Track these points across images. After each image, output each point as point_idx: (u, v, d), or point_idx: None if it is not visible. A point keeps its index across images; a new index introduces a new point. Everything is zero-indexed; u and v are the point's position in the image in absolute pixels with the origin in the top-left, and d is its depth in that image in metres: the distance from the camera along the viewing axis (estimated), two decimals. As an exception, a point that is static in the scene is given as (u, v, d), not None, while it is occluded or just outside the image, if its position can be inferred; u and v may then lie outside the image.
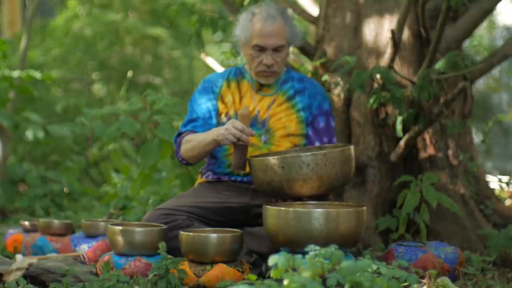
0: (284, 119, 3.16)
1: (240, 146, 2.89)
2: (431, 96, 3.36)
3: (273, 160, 2.79)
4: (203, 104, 3.19)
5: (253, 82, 3.20)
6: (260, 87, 3.20)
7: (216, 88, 3.22)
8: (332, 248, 2.05)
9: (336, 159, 2.79)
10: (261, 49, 3.09)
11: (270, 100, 3.19)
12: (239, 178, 3.17)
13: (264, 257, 2.85)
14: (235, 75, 3.25)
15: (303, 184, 2.78)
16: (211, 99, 3.19)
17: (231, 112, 3.16)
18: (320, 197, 2.84)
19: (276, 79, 3.19)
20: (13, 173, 5.83)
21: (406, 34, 3.67)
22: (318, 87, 3.28)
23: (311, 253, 2.04)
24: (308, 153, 2.78)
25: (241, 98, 3.19)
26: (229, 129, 2.86)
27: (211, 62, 4.83)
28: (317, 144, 3.17)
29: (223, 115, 3.17)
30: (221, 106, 3.18)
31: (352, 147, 2.88)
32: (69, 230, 3.49)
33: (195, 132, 3.14)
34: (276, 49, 3.09)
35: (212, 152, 3.19)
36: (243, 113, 2.92)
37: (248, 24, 3.10)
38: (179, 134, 3.19)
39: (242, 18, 3.16)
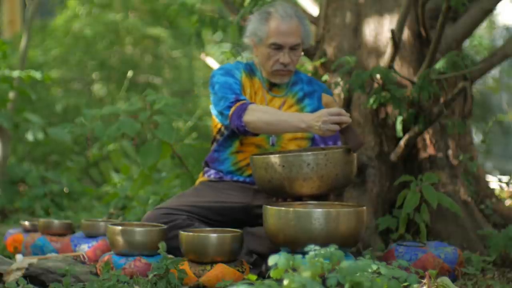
0: None
1: (346, 128, 2.78)
2: (431, 96, 3.37)
3: (274, 158, 2.79)
4: (234, 85, 3.09)
5: (264, 81, 3.19)
6: (271, 87, 3.19)
7: (238, 77, 3.16)
8: (332, 248, 2.05)
9: (337, 160, 2.79)
10: (278, 47, 3.08)
11: (281, 101, 3.18)
12: (241, 178, 3.17)
13: (264, 257, 2.85)
14: (246, 70, 3.23)
15: (303, 183, 2.78)
16: (237, 83, 3.12)
17: None
18: (320, 197, 2.84)
19: (288, 79, 3.18)
20: (13, 173, 5.83)
21: (406, 34, 3.67)
22: (326, 90, 3.28)
23: (311, 253, 2.04)
24: (309, 153, 2.78)
25: (255, 94, 3.17)
26: (326, 120, 2.73)
27: (211, 62, 4.83)
28: (321, 147, 3.16)
29: None
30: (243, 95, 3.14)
31: None
32: (69, 230, 3.49)
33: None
34: (293, 48, 3.08)
35: (218, 147, 3.18)
36: (327, 101, 2.88)
37: (264, 23, 3.09)
38: (236, 101, 3.02)
39: (256, 18, 3.14)
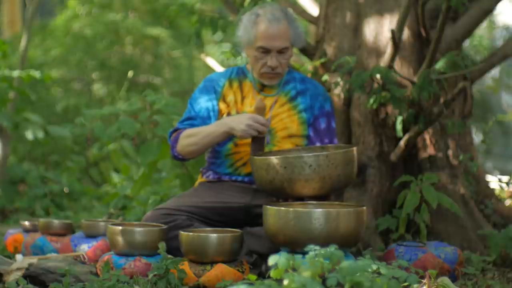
0: (286, 120, 3.15)
1: (258, 138, 2.97)
2: (431, 96, 3.36)
3: (275, 159, 2.79)
4: (203, 103, 3.19)
5: (255, 82, 3.20)
6: (262, 88, 3.20)
7: (218, 88, 3.21)
8: (332, 248, 2.05)
9: (339, 161, 2.79)
10: (266, 51, 3.08)
11: (272, 100, 3.18)
12: (239, 178, 3.17)
13: (264, 257, 2.84)
14: (237, 74, 3.25)
15: (304, 184, 2.77)
16: (212, 99, 3.19)
17: (233, 112, 3.16)
18: (321, 197, 2.84)
19: (278, 81, 3.19)
20: (13, 173, 5.83)
21: (406, 34, 3.67)
22: (319, 88, 3.28)
23: (311, 253, 2.04)
24: (311, 154, 2.78)
25: (243, 98, 3.19)
26: (251, 125, 2.91)
27: (211, 62, 4.83)
28: (318, 145, 3.16)
29: (224, 115, 3.16)
30: (222, 106, 3.18)
31: (355, 148, 2.88)
32: (69, 230, 3.49)
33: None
34: (281, 51, 3.08)
35: (214, 152, 3.19)
36: (259, 106, 2.98)
37: (252, 26, 3.08)
38: (175, 130, 3.19)
39: (246, 19, 3.14)
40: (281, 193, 2.85)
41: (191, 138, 3.08)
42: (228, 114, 3.16)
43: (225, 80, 3.22)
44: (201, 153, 3.15)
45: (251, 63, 3.16)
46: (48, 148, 7.13)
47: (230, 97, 3.19)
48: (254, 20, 3.09)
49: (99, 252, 3.23)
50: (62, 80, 8.50)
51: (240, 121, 2.95)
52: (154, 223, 2.95)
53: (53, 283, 2.62)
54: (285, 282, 1.89)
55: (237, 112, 3.15)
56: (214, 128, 3.04)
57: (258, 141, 2.99)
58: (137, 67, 8.49)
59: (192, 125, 3.15)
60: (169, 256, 2.73)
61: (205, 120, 3.16)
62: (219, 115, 3.17)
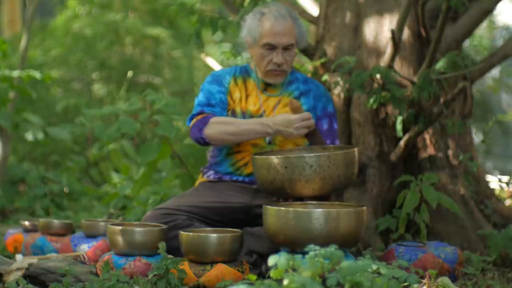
0: None
1: (311, 132, 3.05)
2: (431, 96, 3.37)
3: (276, 159, 2.79)
4: (217, 95, 3.16)
5: (259, 81, 3.20)
6: (266, 87, 3.20)
7: (225, 83, 3.21)
8: (332, 248, 2.05)
9: (340, 161, 2.79)
10: (272, 47, 3.09)
11: (276, 100, 3.18)
12: (240, 178, 3.17)
13: (264, 257, 2.85)
14: (241, 73, 3.25)
15: (305, 184, 2.78)
16: (222, 92, 3.18)
17: (238, 110, 3.15)
18: (321, 197, 2.84)
19: (283, 80, 3.19)
20: (13, 173, 5.83)
21: (406, 34, 3.67)
22: (322, 89, 3.29)
23: (311, 253, 2.04)
24: (312, 154, 2.78)
25: (247, 96, 3.19)
26: (300, 126, 2.98)
27: (211, 62, 4.83)
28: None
29: (229, 112, 3.16)
30: (230, 101, 3.18)
31: (356, 149, 2.88)
32: (69, 230, 3.49)
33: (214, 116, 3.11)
34: (286, 48, 3.10)
35: (215, 150, 3.20)
36: (294, 106, 3.04)
37: (258, 24, 3.10)
38: (199, 113, 3.12)
39: (250, 18, 3.15)
40: (282, 193, 2.85)
41: (228, 126, 3.04)
42: (233, 111, 3.15)
43: (230, 77, 3.22)
44: (233, 144, 3.14)
45: (256, 62, 3.16)
46: (48, 148, 7.12)
47: (236, 94, 3.19)
48: (259, 18, 3.10)
49: (99, 252, 3.23)
50: (62, 80, 8.49)
51: (286, 125, 2.98)
52: (154, 223, 2.96)
53: (53, 283, 2.62)
54: (285, 282, 1.89)
55: (241, 110, 3.15)
56: (256, 127, 3.02)
57: (313, 135, 3.06)
58: (137, 67, 8.48)
59: (214, 112, 3.12)
60: (169, 256, 2.73)
61: (222, 111, 3.14)
62: (228, 109, 3.16)
